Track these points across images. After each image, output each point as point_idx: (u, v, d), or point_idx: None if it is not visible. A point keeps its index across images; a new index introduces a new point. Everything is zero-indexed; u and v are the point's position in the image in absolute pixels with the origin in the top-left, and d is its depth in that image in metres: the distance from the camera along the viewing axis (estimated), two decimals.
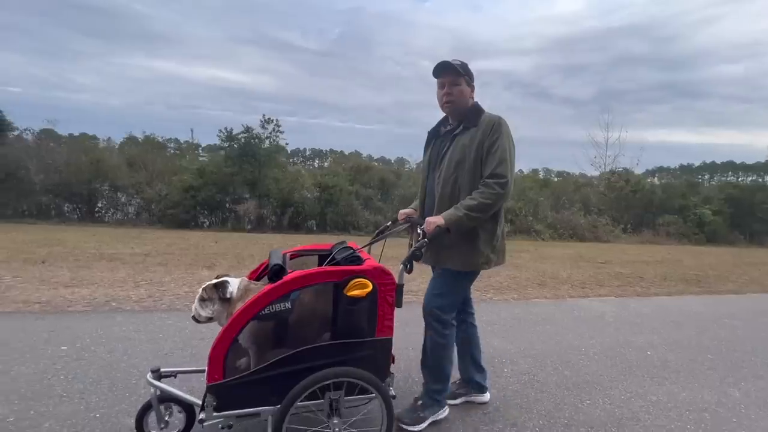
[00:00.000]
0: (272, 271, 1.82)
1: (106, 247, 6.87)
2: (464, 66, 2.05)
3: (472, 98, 2.11)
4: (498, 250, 2.09)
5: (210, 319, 1.80)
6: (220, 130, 13.68)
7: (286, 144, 14.81)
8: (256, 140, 13.65)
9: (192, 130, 18.58)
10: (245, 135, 13.67)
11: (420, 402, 2.16)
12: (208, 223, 13.89)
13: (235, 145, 13.58)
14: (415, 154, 20.89)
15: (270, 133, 14.09)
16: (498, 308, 4.38)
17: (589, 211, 15.41)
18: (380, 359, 1.78)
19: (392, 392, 1.83)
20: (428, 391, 2.16)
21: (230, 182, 13.54)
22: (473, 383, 2.37)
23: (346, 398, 1.69)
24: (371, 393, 1.70)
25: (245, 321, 1.62)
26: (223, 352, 1.61)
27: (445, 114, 2.18)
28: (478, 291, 5.05)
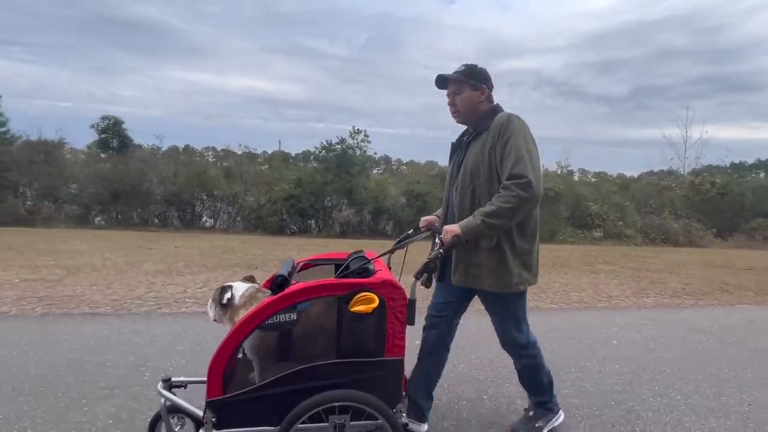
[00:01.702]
0: (275, 283, 1.77)
1: (274, 252, 7.50)
2: (468, 70, 1.89)
3: (488, 101, 1.94)
4: (530, 267, 1.87)
5: (216, 320, 1.76)
6: (321, 143, 14.45)
7: (374, 153, 15.41)
8: (351, 151, 14.31)
9: (279, 142, 19.44)
10: (339, 146, 14.38)
11: (531, 413, 2.07)
12: (296, 229, 14.61)
13: (331, 155, 14.27)
14: (441, 158, 20.96)
15: (359, 143, 14.76)
16: (716, 313, 4.58)
17: (678, 216, 15.14)
18: (390, 382, 1.62)
19: (404, 420, 1.69)
20: (535, 403, 2.08)
21: (323, 191, 14.24)
22: (414, 407, 2.04)
23: (352, 423, 1.55)
24: (378, 419, 1.55)
25: (244, 334, 1.53)
26: (222, 366, 1.52)
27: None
28: (670, 297, 5.26)
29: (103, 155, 13.88)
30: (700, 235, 14.39)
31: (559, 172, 17.79)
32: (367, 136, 14.85)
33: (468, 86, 1.88)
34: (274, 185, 14.69)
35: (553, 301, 4.78)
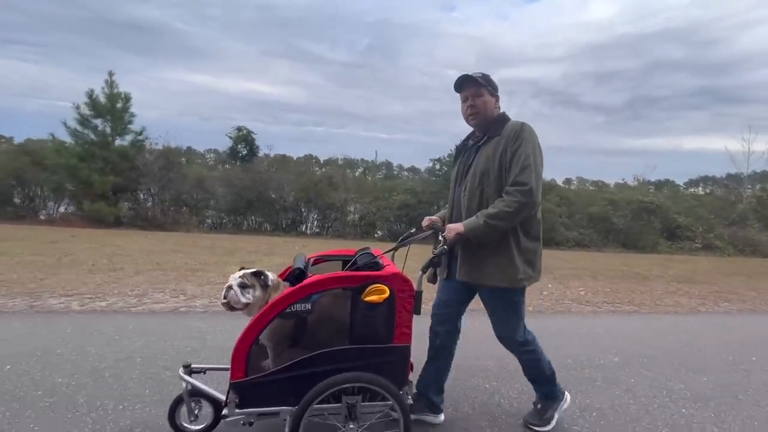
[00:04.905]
0: (293, 275, 1.90)
1: None
2: (486, 77, 2.00)
3: (498, 108, 2.05)
4: (535, 265, 1.98)
5: (246, 306, 1.77)
6: (439, 157, 15.21)
7: None
8: None
9: (376, 152, 19.87)
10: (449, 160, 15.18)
11: (539, 405, 2.20)
12: (387, 236, 15.22)
13: (444, 168, 15.05)
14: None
15: None
16: None
17: (759, 229, 16.18)
18: (398, 366, 1.75)
19: (410, 401, 1.81)
20: (540, 394, 2.20)
21: (434, 201, 14.97)
22: (427, 401, 2.16)
23: (363, 404, 1.67)
24: (388, 400, 1.66)
25: (267, 321, 1.64)
26: (245, 351, 1.63)
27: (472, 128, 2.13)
28: None
29: (226, 164, 14.32)
30: None
31: (636, 184, 18.77)
32: None
33: (487, 91, 2.00)
34: (380, 194, 15.38)
35: None
